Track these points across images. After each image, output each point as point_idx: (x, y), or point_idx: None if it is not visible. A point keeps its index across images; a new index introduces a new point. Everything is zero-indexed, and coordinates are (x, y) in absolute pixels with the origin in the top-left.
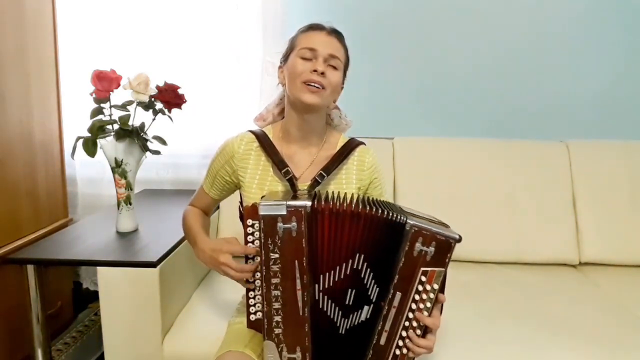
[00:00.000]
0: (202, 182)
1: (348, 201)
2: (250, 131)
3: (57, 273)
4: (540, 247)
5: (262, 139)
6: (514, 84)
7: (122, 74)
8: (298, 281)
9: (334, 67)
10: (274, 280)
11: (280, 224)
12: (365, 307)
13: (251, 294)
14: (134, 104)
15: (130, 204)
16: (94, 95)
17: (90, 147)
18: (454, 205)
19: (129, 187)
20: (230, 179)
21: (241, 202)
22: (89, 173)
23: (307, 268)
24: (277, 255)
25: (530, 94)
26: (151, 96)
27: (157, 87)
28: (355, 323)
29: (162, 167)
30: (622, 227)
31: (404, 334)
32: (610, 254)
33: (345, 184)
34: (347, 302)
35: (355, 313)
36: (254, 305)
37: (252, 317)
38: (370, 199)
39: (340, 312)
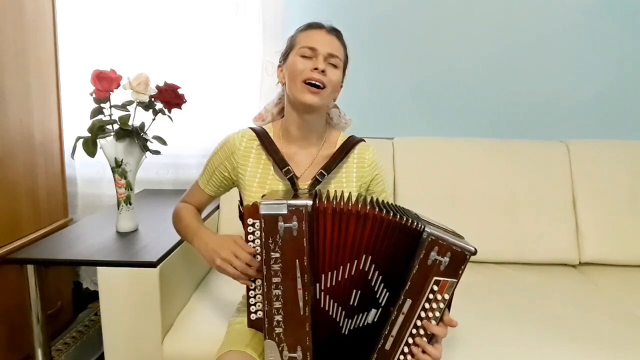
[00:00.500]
0: (198, 178)
1: (353, 201)
2: (251, 128)
3: (57, 273)
4: (540, 247)
5: (263, 138)
6: (514, 84)
7: (122, 74)
8: (299, 280)
9: (334, 66)
10: (275, 280)
11: (281, 223)
12: (373, 311)
13: (252, 293)
14: (134, 104)
15: (130, 204)
16: (94, 95)
17: (90, 147)
18: (454, 205)
19: (129, 187)
20: (228, 176)
21: (241, 201)
22: (89, 173)
23: (308, 267)
24: (277, 255)
25: (530, 94)
26: (151, 96)
27: (157, 87)
28: (360, 325)
29: (162, 167)
30: (622, 227)
31: (410, 340)
32: (610, 254)
33: (346, 182)
34: (351, 303)
35: (361, 315)
36: (255, 304)
37: (253, 317)
38: (384, 201)
39: (343, 313)
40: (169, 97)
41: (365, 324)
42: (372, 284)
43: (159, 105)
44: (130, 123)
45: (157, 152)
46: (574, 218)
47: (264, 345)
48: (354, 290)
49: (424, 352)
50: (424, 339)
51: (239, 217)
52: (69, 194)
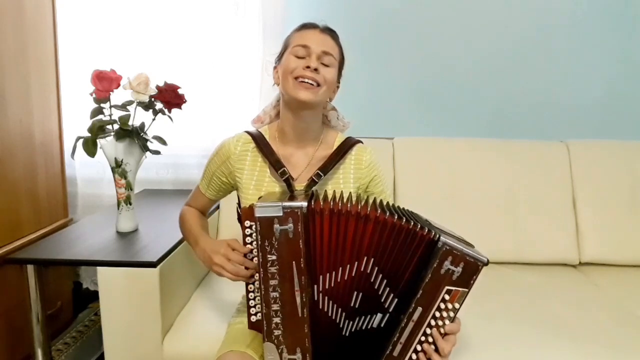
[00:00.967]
0: (199, 182)
1: (354, 201)
2: (247, 132)
3: (57, 273)
4: (540, 247)
5: (259, 140)
6: (514, 84)
7: (122, 74)
8: (296, 282)
9: (328, 65)
10: (272, 282)
11: (276, 226)
12: (379, 315)
13: (251, 295)
14: (134, 104)
15: (130, 204)
16: (94, 95)
17: (90, 147)
18: (454, 205)
19: (129, 187)
20: (226, 180)
21: (239, 204)
22: (89, 173)
23: (305, 269)
24: (274, 257)
25: (530, 94)
26: (151, 96)
27: (157, 87)
28: (363, 327)
29: (162, 167)
30: (622, 227)
31: (418, 348)
32: (610, 254)
33: (343, 184)
34: (352, 305)
35: (363, 317)
36: (255, 306)
37: (253, 318)
38: (392, 205)
39: (343, 314)
40: (169, 97)
41: (369, 327)
42: (376, 287)
43: (159, 105)
44: (130, 123)
45: (157, 152)
46: (574, 218)
47: (263, 348)
48: (355, 292)
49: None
50: (432, 346)
51: (237, 219)
52: (69, 194)
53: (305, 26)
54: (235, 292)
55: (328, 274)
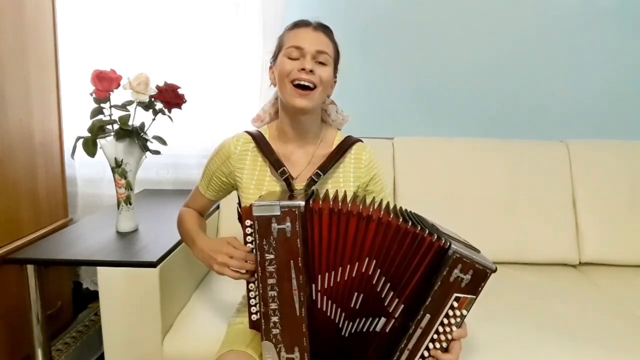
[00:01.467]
0: (198, 183)
1: (358, 202)
2: (247, 132)
3: (57, 273)
4: (540, 247)
5: (258, 140)
6: (514, 84)
7: (122, 74)
8: (294, 281)
9: (323, 63)
10: (270, 281)
11: (274, 225)
12: (382, 319)
13: (252, 294)
14: (134, 104)
15: (130, 204)
16: (94, 95)
17: (90, 147)
18: (454, 205)
19: (129, 187)
20: (226, 180)
21: (239, 204)
22: (89, 173)
23: (303, 268)
24: (272, 256)
25: (530, 94)
26: (151, 96)
27: (157, 87)
28: (364, 330)
29: (162, 167)
30: (622, 227)
31: (425, 354)
32: (610, 254)
33: (343, 183)
34: (352, 305)
35: (364, 319)
36: (255, 305)
37: (254, 317)
38: (399, 208)
39: (343, 315)
40: (169, 97)
41: (371, 330)
42: (378, 289)
43: (159, 105)
44: (130, 123)
45: (157, 152)
46: (574, 218)
47: (261, 347)
48: (355, 293)
49: None
50: (439, 351)
51: (238, 219)
52: (69, 194)
53: (297, 24)
54: (235, 292)
55: (327, 274)
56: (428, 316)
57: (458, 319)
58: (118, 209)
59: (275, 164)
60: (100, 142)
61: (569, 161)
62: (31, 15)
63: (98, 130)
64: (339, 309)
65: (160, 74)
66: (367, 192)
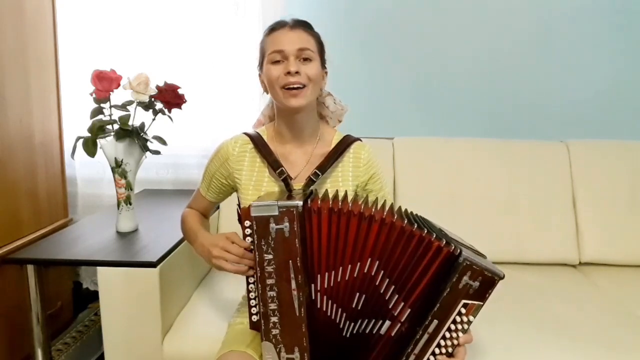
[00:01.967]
0: (199, 184)
1: (359, 202)
2: (245, 133)
3: (57, 273)
4: (540, 247)
5: (256, 141)
6: (514, 84)
7: (122, 74)
8: (293, 282)
9: (308, 59)
10: (269, 281)
11: (272, 225)
12: (387, 322)
13: (252, 294)
14: (134, 104)
15: (130, 204)
16: (94, 95)
17: (90, 147)
18: (454, 205)
19: (129, 187)
20: (226, 182)
21: (239, 205)
22: (89, 173)
23: (302, 268)
24: (271, 256)
25: (530, 93)
26: (151, 96)
27: (157, 87)
28: (367, 331)
29: (162, 167)
30: (622, 227)
31: (431, 359)
32: (610, 254)
33: (342, 182)
34: (353, 306)
35: (367, 321)
36: (255, 305)
37: (254, 318)
38: (405, 210)
39: (344, 315)
40: (169, 97)
41: (374, 332)
42: (382, 291)
43: (159, 105)
44: (130, 123)
45: (157, 152)
46: (574, 218)
47: (261, 347)
48: (357, 294)
49: None
50: (444, 356)
51: (238, 220)
52: (69, 194)
53: (273, 28)
54: (235, 292)
55: (327, 274)
56: (435, 322)
57: (465, 325)
58: (118, 209)
59: (274, 164)
60: (100, 142)
61: (569, 161)
62: (31, 15)
63: (98, 130)
64: (340, 309)
65: (160, 74)
66: (366, 191)
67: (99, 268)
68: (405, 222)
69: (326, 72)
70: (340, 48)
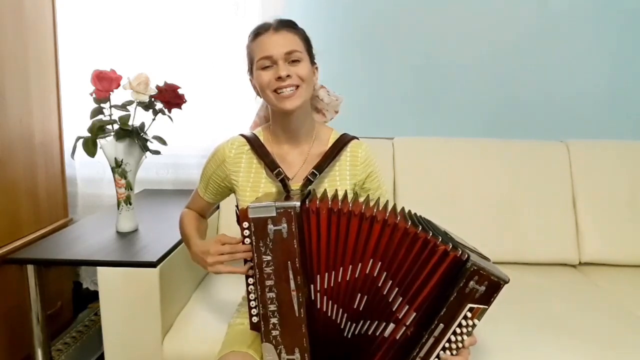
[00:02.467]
0: (197, 185)
1: (359, 202)
2: (241, 135)
3: (57, 273)
4: (540, 247)
5: (253, 142)
6: (514, 84)
7: (122, 74)
8: (292, 282)
9: (297, 60)
10: (268, 283)
11: (270, 226)
12: (391, 325)
13: (252, 296)
14: (134, 104)
15: (130, 204)
16: (94, 95)
17: (90, 147)
18: (454, 205)
19: (129, 187)
20: (223, 184)
21: (237, 206)
22: (89, 173)
23: (301, 269)
24: (269, 258)
25: (530, 93)
26: (151, 96)
27: (157, 87)
28: (370, 333)
29: (162, 167)
30: (622, 227)
31: None
32: (610, 254)
33: (339, 181)
34: (355, 307)
35: (369, 322)
36: (255, 307)
37: (255, 319)
38: (411, 212)
39: (345, 315)
40: (169, 97)
41: (377, 334)
42: (385, 292)
43: (159, 105)
44: (130, 123)
45: (157, 152)
46: (574, 218)
47: (262, 348)
48: (359, 294)
49: None
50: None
51: (236, 221)
52: (69, 194)
53: (258, 32)
54: (235, 293)
55: (326, 274)
56: (441, 326)
57: (470, 328)
58: (118, 209)
59: (271, 165)
60: (100, 142)
61: (569, 161)
62: (31, 15)
63: (98, 130)
64: (341, 310)
65: (160, 74)
66: (364, 190)
67: (99, 268)
68: (409, 223)
69: (316, 68)
70: (340, 48)
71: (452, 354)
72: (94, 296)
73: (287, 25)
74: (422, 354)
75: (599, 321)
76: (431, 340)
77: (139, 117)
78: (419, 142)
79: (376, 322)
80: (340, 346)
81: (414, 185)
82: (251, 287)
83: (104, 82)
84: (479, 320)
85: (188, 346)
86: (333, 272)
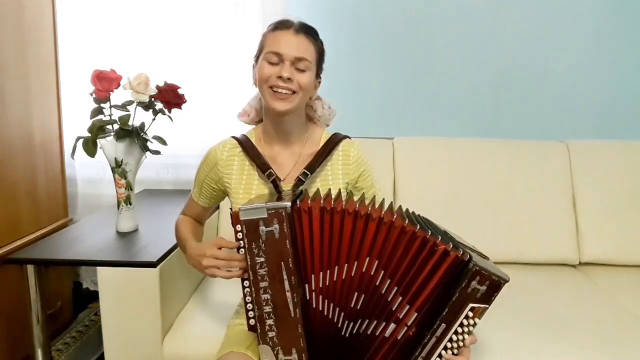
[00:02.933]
0: (191, 191)
1: (353, 200)
2: (233, 137)
3: (57, 273)
4: (540, 247)
5: (245, 144)
6: (514, 84)
7: (122, 74)
8: (286, 283)
9: (302, 70)
10: (262, 284)
11: (262, 227)
12: (392, 325)
13: (248, 298)
14: (134, 104)
15: (130, 204)
16: (94, 95)
17: (90, 147)
18: (454, 205)
19: (129, 187)
20: (216, 187)
21: (231, 208)
22: (89, 173)
23: (294, 269)
24: (262, 259)
25: (530, 93)
26: (151, 96)
27: (157, 87)
28: (369, 332)
29: (162, 167)
30: (622, 227)
31: None
32: (610, 254)
33: (332, 180)
34: (352, 306)
35: (368, 321)
36: (252, 309)
37: (252, 321)
38: (406, 210)
39: (342, 314)
40: (169, 97)
41: (377, 333)
42: (383, 291)
43: (159, 105)
44: (130, 123)
45: (157, 152)
46: (574, 218)
47: (259, 350)
48: (356, 293)
49: None
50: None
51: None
52: (69, 194)
53: (278, 26)
54: (234, 293)
55: (321, 273)
56: (443, 325)
57: (471, 327)
58: (118, 209)
59: (262, 166)
60: (100, 142)
61: (569, 161)
62: (31, 15)
63: (98, 130)
64: (338, 309)
65: (160, 74)
66: (357, 189)
67: (99, 268)
68: (407, 222)
69: (319, 82)
70: (340, 48)
71: (453, 353)
72: (94, 296)
73: (308, 32)
74: (424, 353)
75: (599, 321)
76: (433, 340)
77: (139, 117)
78: (419, 142)
79: (375, 322)
80: (338, 346)
81: (414, 185)
82: (247, 289)
83: (104, 82)
84: (479, 319)
85: (188, 346)
86: (328, 271)
